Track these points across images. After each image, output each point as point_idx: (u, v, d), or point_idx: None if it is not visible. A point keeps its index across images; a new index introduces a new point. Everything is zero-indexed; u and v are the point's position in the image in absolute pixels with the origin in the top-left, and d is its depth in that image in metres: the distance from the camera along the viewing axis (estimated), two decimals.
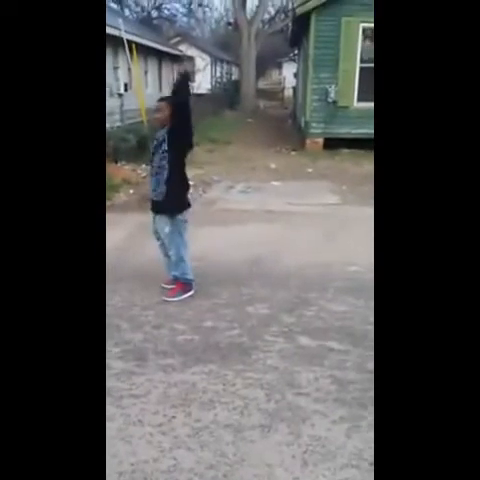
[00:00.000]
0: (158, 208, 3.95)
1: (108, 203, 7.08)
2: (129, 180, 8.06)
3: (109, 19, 12.88)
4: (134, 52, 12.31)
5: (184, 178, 3.96)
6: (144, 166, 8.91)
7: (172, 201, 3.87)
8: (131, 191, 7.63)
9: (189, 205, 4.01)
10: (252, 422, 2.56)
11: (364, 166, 9.60)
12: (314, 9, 10.80)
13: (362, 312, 3.78)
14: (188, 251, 4.06)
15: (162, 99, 3.95)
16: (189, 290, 4.06)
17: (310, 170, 9.62)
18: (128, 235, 5.71)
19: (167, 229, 3.93)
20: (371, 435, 2.44)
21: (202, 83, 26.78)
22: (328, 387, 2.84)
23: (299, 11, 11.28)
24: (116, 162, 9.13)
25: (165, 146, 3.77)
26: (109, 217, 6.49)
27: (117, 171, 8.44)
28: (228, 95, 24.74)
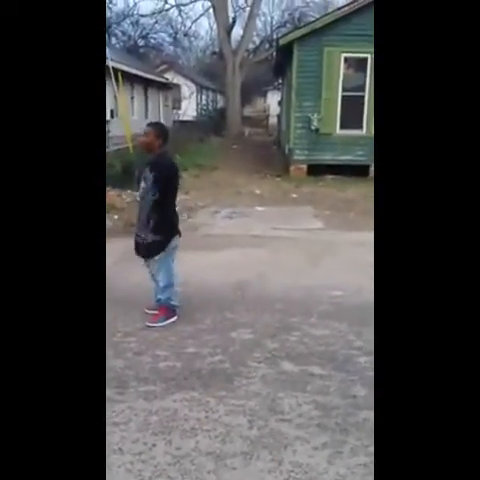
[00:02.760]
0: (142, 252, 3.97)
1: None
2: (114, 205, 8.06)
3: None
4: (120, 79, 12.47)
5: (170, 217, 3.95)
6: (129, 191, 8.92)
7: (160, 246, 3.89)
8: (116, 216, 7.62)
9: (179, 233, 4.02)
10: (234, 449, 2.53)
11: (347, 192, 9.73)
12: (296, 40, 11.07)
13: (345, 337, 3.79)
14: (175, 277, 4.06)
15: (149, 124, 4.00)
16: (172, 316, 4.05)
17: (294, 195, 9.71)
18: (112, 261, 5.68)
19: (156, 256, 3.93)
20: (353, 461, 2.43)
21: (188, 110, 27.13)
22: (311, 413, 2.83)
23: (282, 42, 11.56)
24: None
25: (151, 196, 3.78)
26: None
27: None
28: (213, 122, 25.07)
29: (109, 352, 3.54)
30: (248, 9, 25.04)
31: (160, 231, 3.83)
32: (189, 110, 27.38)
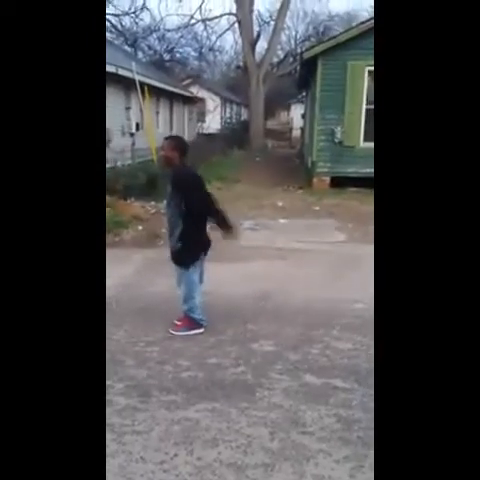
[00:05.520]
0: (173, 258, 4.00)
1: (117, 239, 7.16)
2: (138, 216, 8.16)
3: (122, 61, 13.33)
4: (146, 93, 12.67)
5: (201, 233, 3.98)
6: (153, 203, 9.04)
7: (185, 256, 3.92)
8: (140, 227, 7.71)
9: (205, 252, 4.05)
10: (255, 461, 2.52)
11: (370, 205, 9.63)
12: (321, 53, 11.12)
13: (368, 350, 3.75)
14: (199, 290, 4.09)
15: (166, 138, 4.06)
16: (195, 328, 4.05)
17: (317, 208, 9.69)
18: (135, 271, 5.76)
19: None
20: None
21: (212, 123, 27.39)
22: (333, 426, 2.81)
23: (306, 55, 11.61)
24: (126, 199, 9.27)
25: (172, 207, 3.85)
26: (117, 253, 6.59)
27: (126, 208, 8.55)
28: (237, 135, 25.23)
29: (131, 361, 3.58)
30: (272, 23, 25.27)
31: (184, 242, 3.86)
32: (213, 123, 27.64)
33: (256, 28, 25.72)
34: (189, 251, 3.91)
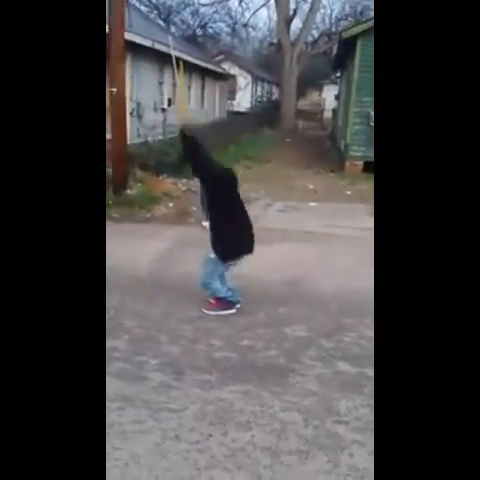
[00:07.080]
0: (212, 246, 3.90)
1: (148, 215, 7.19)
2: (169, 193, 8.16)
3: (157, 35, 13.20)
4: (181, 69, 12.55)
5: (233, 227, 3.86)
6: (184, 180, 9.02)
7: (217, 249, 3.84)
8: (171, 204, 7.71)
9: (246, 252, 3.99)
10: (289, 447, 2.52)
11: None
12: (360, 34, 10.83)
13: None
14: (227, 275, 4.10)
15: None
16: (227, 308, 4.05)
17: (349, 192, 9.55)
18: (167, 247, 5.76)
19: (212, 255, 3.90)
20: None
21: (242, 101, 27.11)
22: (368, 416, 2.78)
23: (345, 35, 11.33)
24: (158, 175, 9.27)
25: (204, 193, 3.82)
26: (148, 229, 6.61)
27: (158, 184, 8.56)
28: (267, 114, 24.93)
29: (164, 338, 3.60)
30: (309, 1, 24.70)
31: (216, 233, 3.81)
32: (243, 101, 27.36)
33: (292, 6, 25.17)
34: (223, 244, 3.82)
